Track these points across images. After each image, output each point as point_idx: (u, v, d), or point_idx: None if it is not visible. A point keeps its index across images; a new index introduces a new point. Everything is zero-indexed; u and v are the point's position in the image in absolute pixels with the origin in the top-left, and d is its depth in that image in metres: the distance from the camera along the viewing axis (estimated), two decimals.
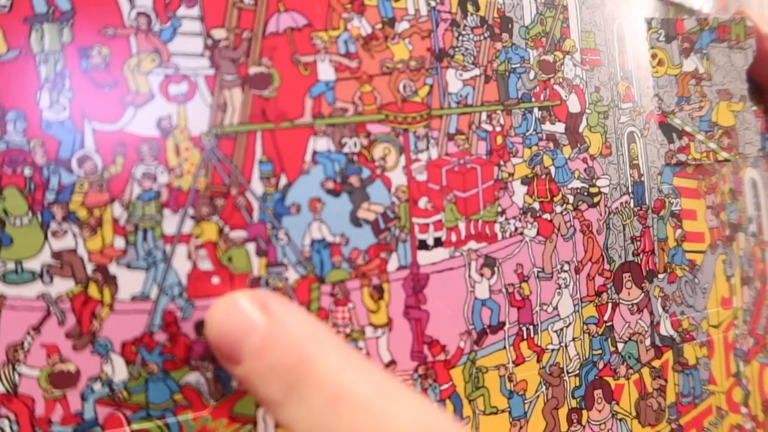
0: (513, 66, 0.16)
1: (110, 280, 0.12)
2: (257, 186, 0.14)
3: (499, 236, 0.16)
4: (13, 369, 0.12)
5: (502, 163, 0.16)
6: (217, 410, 0.13)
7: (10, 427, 0.12)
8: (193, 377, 0.13)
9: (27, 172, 0.12)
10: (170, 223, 0.13)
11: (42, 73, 0.12)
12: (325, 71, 0.14)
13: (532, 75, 0.17)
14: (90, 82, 0.12)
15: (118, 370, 0.12)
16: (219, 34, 0.13)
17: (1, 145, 0.12)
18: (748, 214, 0.20)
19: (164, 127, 0.13)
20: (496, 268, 0.16)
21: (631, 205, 0.18)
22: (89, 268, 0.12)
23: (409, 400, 0.11)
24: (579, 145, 0.17)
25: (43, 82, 0.12)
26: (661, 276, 0.18)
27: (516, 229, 0.16)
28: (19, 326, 0.12)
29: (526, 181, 0.16)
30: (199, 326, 0.13)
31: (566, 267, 0.17)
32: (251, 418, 0.13)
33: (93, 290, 0.12)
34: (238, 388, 0.13)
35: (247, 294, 0.12)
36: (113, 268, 0.12)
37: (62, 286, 0.12)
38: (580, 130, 0.17)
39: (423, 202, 0.15)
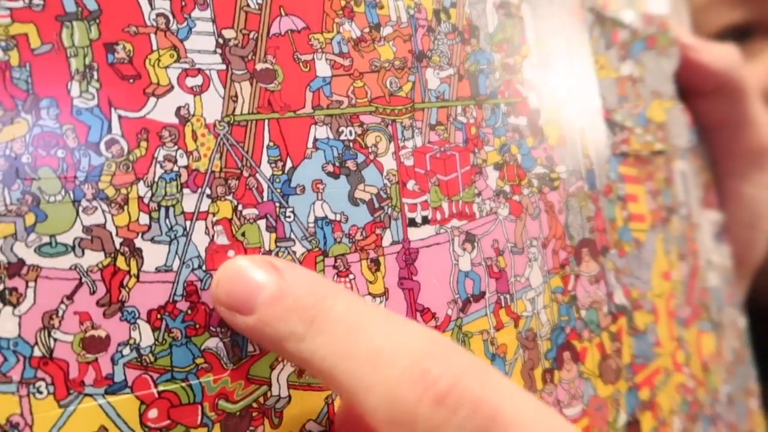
0: (481, 67, 0.19)
1: (136, 253, 0.13)
2: (266, 168, 0.15)
3: (477, 215, 0.18)
4: (49, 335, 0.12)
5: (476, 150, 0.18)
6: (235, 372, 0.14)
7: (47, 388, 0.12)
8: (212, 342, 0.14)
9: (60, 153, 0.13)
10: (189, 202, 0.14)
11: (72, 66, 0.13)
12: (322, 68, 0.16)
13: (497, 75, 0.19)
14: (115, 74, 0.14)
15: (145, 335, 0.13)
16: (229, 34, 0.15)
17: (36, 129, 0.13)
18: (680, 200, 0.23)
19: (182, 115, 0.14)
20: (475, 243, 0.18)
21: (586, 189, 0.20)
22: (117, 241, 0.13)
23: (418, 327, 0.12)
24: (539, 137, 0.19)
25: (74, 73, 0.13)
26: (612, 251, 0.21)
27: (491, 208, 0.18)
28: (53, 295, 0.13)
29: (497, 166, 0.18)
30: None
31: (534, 243, 0.19)
32: (266, 379, 0.15)
33: (121, 262, 0.13)
34: (253, 353, 0.14)
35: (254, 257, 0.14)
36: (138, 242, 0.13)
37: (93, 258, 0.13)
38: (540, 123, 0.20)
39: (411, 184, 0.17)
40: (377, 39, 0.17)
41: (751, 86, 0.22)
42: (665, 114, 0.22)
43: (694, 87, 0.23)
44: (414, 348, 0.11)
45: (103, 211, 0.13)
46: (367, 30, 0.17)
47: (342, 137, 0.16)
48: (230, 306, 0.13)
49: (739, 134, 0.23)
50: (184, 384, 0.14)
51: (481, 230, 0.18)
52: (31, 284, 0.12)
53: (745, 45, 0.29)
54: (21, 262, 0.12)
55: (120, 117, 0.14)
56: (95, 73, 0.13)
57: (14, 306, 0.12)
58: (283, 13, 0.16)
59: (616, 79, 0.22)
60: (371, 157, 0.16)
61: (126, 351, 0.13)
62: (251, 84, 0.15)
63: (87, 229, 0.13)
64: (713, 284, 0.24)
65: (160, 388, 0.13)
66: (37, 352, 0.12)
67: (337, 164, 0.16)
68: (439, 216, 0.17)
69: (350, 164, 0.16)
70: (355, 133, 0.16)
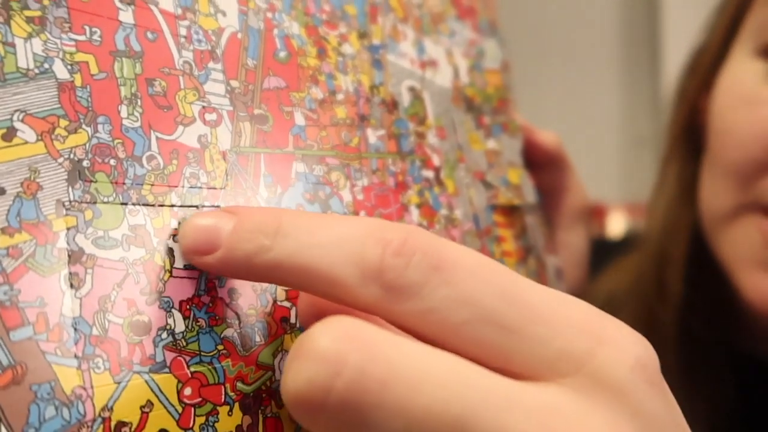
0: (402, 131, 0.24)
1: (169, 252, 0.16)
2: (263, 191, 0.18)
3: None
4: (104, 316, 0.14)
5: (403, 192, 0.23)
6: (247, 359, 0.16)
7: (103, 364, 0.14)
8: (229, 332, 0.16)
9: (112, 162, 0.15)
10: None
11: (122, 92, 0.16)
12: (299, 118, 0.20)
13: (412, 138, 0.25)
14: (153, 104, 0.16)
15: (178, 323, 0.15)
16: (234, 83, 0.18)
17: (94, 140, 0.15)
18: (532, 244, 0.31)
19: (203, 142, 0.17)
20: None
21: (474, 229, 0.26)
22: (154, 241, 0.15)
23: (367, 218, 0.15)
24: (442, 187, 0.25)
25: (123, 98, 0.16)
26: None
27: None
28: (107, 282, 0.14)
29: (418, 206, 0.24)
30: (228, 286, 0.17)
31: None
32: (270, 366, 0.17)
33: (158, 258, 0.15)
34: (260, 343, 0.17)
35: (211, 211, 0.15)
36: (170, 243, 0.16)
37: (136, 253, 0.15)
38: (441, 177, 0.26)
39: (362, 214, 0.21)
40: (334, 101, 0.22)
41: (569, 160, 0.31)
42: (519, 178, 0.30)
43: (532, 160, 0.31)
44: (369, 226, 0.14)
45: (144, 215, 0.15)
46: (327, 94, 0.21)
47: (314, 172, 0.20)
48: (199, 250, 0.15)
49: (563, 197, 0.32)
50: (210, 367, 0.16)
51: None
52: (89, 271, 0.14)
53: None
54: (81, 251, 0.14)
55: (157, 138, 0.16)
56: (139, 101, 0.16)
57: (76, 289, 0.14)
58: (270, 74, 0.20)
59: (484, 150, 0.29)
60: (335, 190, 0.21)
61: (164, 335, 0.15)
62: (251, 124, 0.19)
63: (132, 228, 0.15)
64: None
65: (192, 369, 0.15)
66: (95, 332, 0.14)
67: (312, 193, 0.20)
68: None
69: (321, 194, 0.20)
70: (323, 170, 0.20)
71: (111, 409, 0.13)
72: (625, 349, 0.13)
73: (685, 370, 0.36)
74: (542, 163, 0.30)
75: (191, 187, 0.16)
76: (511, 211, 0.29)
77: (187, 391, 0.15)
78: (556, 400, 0.13)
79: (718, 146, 0.33)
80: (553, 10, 1.62)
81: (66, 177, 0.14)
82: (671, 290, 0.37)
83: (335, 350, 0.12)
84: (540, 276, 0.31)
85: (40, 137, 0.14)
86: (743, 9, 0.35)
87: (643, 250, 0.41)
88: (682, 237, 0.37)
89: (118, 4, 0.16)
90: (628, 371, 0.13)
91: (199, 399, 0.15)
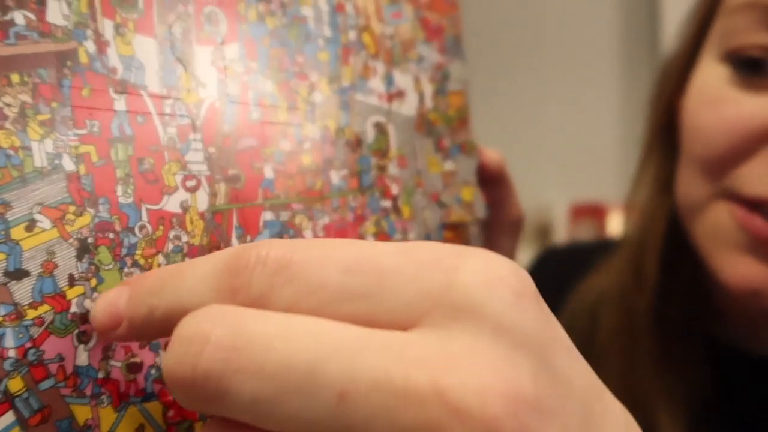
0: (364, 168, 0.28)
1: None
2: (234, 242, 0.22)
3: None
4: (107, 362, 0.18)
5: (361, 225, 0.27)
6: None
7: (107, 399, 0.18)
8: None
9: (111, 235, 0.19)
10: None
11: (117, 174, 0.19)
12: (269, 172, 0.24)
13: (373, 173, 0.28)
14: (144, 180, 0.20)
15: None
16: (212, 150, 0.22)
17: (96, 219, 0.18)
18: None
19: (184, 207, 0.21)
20: None
21: None
22: None
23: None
24: (398, 214, 0.29)
25: (118, 179, 0.19)
26: None
27: None
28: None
29: (374, 235, 0.28)
30: None
31: None
32: None
33: None
34: None
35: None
36: None
37: None
38: (398, 204, 0.29)
39: None
40: (301, 151, 0.25)
41: (510, 177, 0.35)
42: (472, 196, 0.33)
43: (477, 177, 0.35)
44: (223, 256, 0.15)
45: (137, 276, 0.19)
46: (295, 145, 0.25)
47: (280, 219, 0.24)
48: (107, 326, 0.16)
49: (502, 210, 0.35)
50: None
51: None
52: None
53: (760, 76, 0.33)
54: (88, 313, 0.18)
55: (147, 209, 0.20)
56: (131, 179, 0.19)
57: (85, 344, 0.18)
58: (244, 135, 0.23)
59: (441, 173, 0.32)
60: (298, 231, 0.24)
61: (153, 371, 0.19)
62: (225, 184, 0.22)
63: None
64: None
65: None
66: (100, 375, 0.18)
67: (278, 236, 0.23)
68: None
69: (285, 237, 0.24)
70: (288, 216, 0.24)
71: None
72: (483, 271, 0.13)
73: (661, 354, 0.40)
74: (486, 180, 0.34)
75: (174, 248, 0.20)
76: (459, 226, 0.33)
77: (170, 413, 0.19)
78: (412, 337, 0.12)
79: (689, 143, 0.37)
80: (553, 9, 1.59)
81: (75, 254, 0.18)
82: (647, 277, 0.40)
83: (200, 330, 0.13)
84: None
85: (54, 224, 0.18)
86: (709, 18, 0.38)
87: (624, 244, 0.45)
88: (659, 227, 0.41)
89: (113, 95, 0.19)
90: (484, 289, 0.13)
91: (180, 418, 0.20)
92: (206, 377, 0.12)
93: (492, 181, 0.35)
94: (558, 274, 0.51)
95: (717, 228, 0.35)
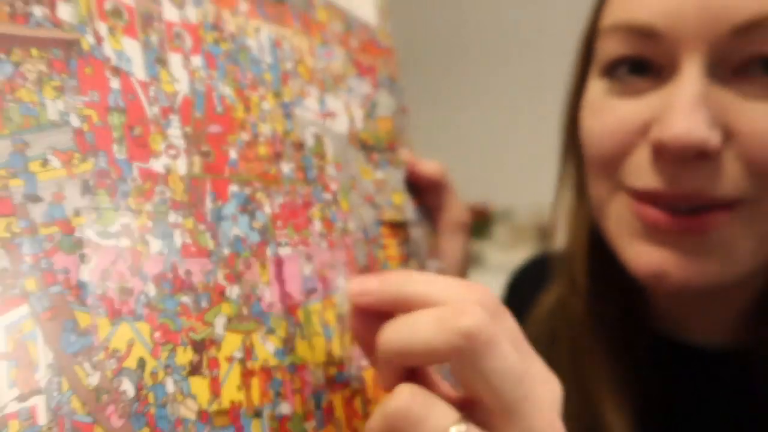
0: (307, 165, 0.33)
1: (146, 242, 0.23)
2: (209, 203, 0.26)
3: (312, 245, 0.31)
4: (104, 283, 0.21)
5: (309, 209, 0.32)
6: (197, 317, 0.24)
7: (104, 312, 0.21)
8: (185, 298, 0.24)
9: (108, 182, 0.22)
10: (173, 216, 0.24)
11: (113, 135, 0.23)
12: (233, 154, 0.28)
13: (315, 171, 0.33)
14: (134, 143, 0.24)
15: (151, 290, 0.23)
16: (187, 129, 0.26)
17: (96, 167, 0.22)
18: (413, 250, 0.40)
19: (167, 169, 0.25)
20: (312, 260, 0.30)
21: (363, 238, 0.35)
22: (136, 234, 0.23)
23: None
24: (338, 206, 0.34)
25: (114, 139, 0.23)
26: None
27: (316, 242, 0.31)
28: (105, 260, 0.22)
29: (320, 219, 0.32)
30: None
31: (340, 263, 0.32)
32: (211, 323, 0.25)
33: (138, 246, 0.23)
34: (206, 306, 0.24)
35: None
36: (149, 237, 0.23)
37: (124, 242, 0.22)
38: (338, 198, 0.34)
39: (279, 224, 0.29)
40: (257, 143, 0.30)
41: (451, 182, 0.41)
42: (401, 201, 0.39)
43: (417, 185, 0.41)
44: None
45: (129, 217, 0.23)
46: (252, 137, 0.30)
47: (244, 192, 0.28)
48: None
49: (444, 214, 0.41)
50: (172, 320, 0.23)
51: (313, 253, 0.31)
52: (94, 253, 0.21)
53: (633, 81, 0.37)
54: (89, 240, 0.21)
55: (138, 166, 0.24)
56: (124, 141, 0.24)
57: (86, 264, 0.21)
58: (212, 123, 0.28)
59: (373, 180, 0.38)
60: (259, 205, 0.29)
61: (142, 297, 0.22)
62: (199, 157, 0.26)
63: (121, 225, 0.22)
64: None
65: (160, 320, 0.23)
66: (98, 292, 0.21)
67: (243, 206, 0.28)
68: (291, 243, 0.30)
69: (249, 207, 0.28)
70: (250, 191, 0.28)
71: (108, 341, 0.21)
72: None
73: (603, 351, 0.42)
74: (427, 187, 0.40)
75: (161, 200, 0.24)
76: (396, 226, 0.38)
77: (157, 334, 0.22)
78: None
79: (586, 148, 0.43)
80: (553, 9, 1.68)
81: (79, 191, 0.21)
82: (579, 284, 0.44)
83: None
84: None
85: (63, 165, 0.21)
86: (591, 42, 0.45)
87: (563, 253, 0.49)
88: (583, 233, 0.45)
89: (109, 76, 0.24)
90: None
91: (165, 340, 0.23)
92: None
93: (432, 189, 0.41)
94: (539, 282, 0.54)
95: (620, 220, 0.39)
